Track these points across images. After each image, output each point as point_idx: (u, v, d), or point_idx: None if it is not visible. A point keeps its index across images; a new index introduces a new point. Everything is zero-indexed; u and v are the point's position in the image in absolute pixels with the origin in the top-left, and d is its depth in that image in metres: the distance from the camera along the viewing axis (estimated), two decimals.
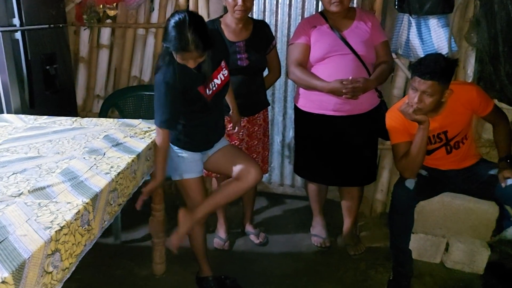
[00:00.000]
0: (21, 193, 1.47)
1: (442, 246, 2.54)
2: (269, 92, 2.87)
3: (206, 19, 2.88)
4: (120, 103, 3.16)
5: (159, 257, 2.44)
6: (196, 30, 1.73)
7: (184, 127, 2.08)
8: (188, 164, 2.12)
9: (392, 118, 2.27)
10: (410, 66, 2.12)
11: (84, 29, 3.33)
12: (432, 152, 2.29)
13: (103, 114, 3.14)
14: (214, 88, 2.01)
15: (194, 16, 1.77)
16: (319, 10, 2.93)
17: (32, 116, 2.43)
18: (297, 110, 2.63)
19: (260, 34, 2.48)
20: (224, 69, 2.05)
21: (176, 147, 2.12)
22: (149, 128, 2.26)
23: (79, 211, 1.36)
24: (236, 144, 2.53)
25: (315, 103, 2.47)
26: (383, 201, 3.05)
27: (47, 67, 2.84)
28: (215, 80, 2.01)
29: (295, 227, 3.03)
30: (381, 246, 2.71)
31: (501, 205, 2.47)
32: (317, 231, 2.84)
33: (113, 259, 2.60)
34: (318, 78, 2.38)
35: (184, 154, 2.11)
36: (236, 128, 2.44)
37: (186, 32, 1.71)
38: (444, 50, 2.56)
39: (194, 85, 1.93)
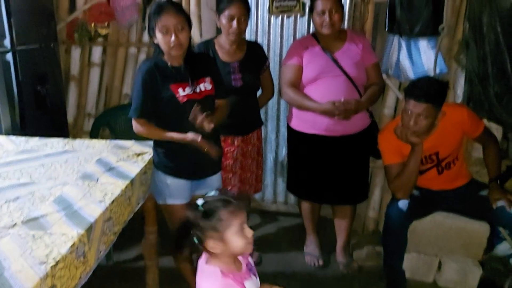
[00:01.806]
0: (15, 224, 1.45)
1: (434, 265, 2.54)
2: (262, 111, 2.88)
3: (198, 40, 2.91)
4: (111, 121, 3.14)
5: (152, 279, 2.40)
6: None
7: (167, 150, 2.04)
8: (172, 190, 2.06)
9: (384, 139, 2.30)
10: (404, 89, 2.15)
11: (76, 48, 3.31)
12: (423, 172, 2.31)
13: (94, 133, 3.12)
14: (189, 93, 1.95)
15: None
16: (311, 30, 2.96)
17: (23, 138, 2.41)
18: (290, 129, 2.65)
19: (253, 55, 2.50)
20: (208, 83, 2.02)
21: (161, 172, 2.06)
22: (141, 150, 2.25)
23: (74, 244, 1.35)
24: (230, 163, 2.53)
25: (308, 123, 2.49)
26: (375, 218, 3.06)
27: (38, 88, 2.82)
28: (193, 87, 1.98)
29: (288, 245, 3.02)
30: (374, 265, 2.71)
31: (492, 224, 2.49)
32: (311, 250, 2.84)
33: (106, 281, 2.56)
34: (310, 99, 2.40)
35: (168, 180, 2.05)
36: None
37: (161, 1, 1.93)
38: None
39: (167, 80, 1.93)
